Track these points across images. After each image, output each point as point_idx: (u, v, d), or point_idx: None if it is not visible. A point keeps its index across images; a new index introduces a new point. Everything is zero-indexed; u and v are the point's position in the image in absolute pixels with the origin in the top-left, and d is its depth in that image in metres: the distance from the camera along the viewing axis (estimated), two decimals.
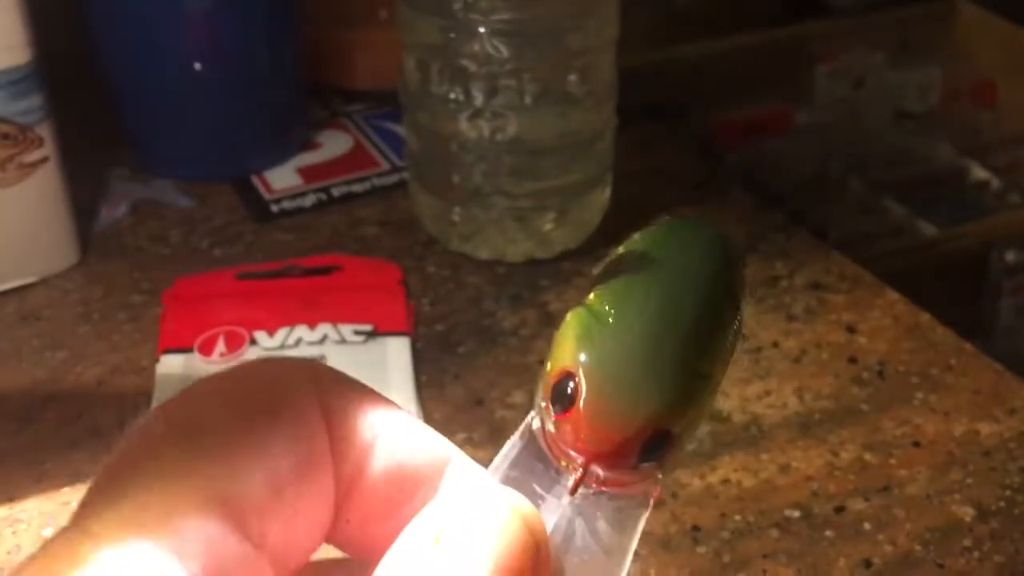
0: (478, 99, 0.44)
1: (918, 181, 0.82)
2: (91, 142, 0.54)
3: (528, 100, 0.44)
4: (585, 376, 0.19)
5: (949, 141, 0.85)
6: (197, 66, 0.52)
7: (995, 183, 0.82)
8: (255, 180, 0.53)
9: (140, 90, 0.53)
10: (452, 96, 0.44)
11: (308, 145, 0.56)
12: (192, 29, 0.52)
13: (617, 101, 0.48)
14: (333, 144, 0.56)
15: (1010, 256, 0.71)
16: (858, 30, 0.90)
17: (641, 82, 0.54)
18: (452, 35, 0.43)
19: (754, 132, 0.87)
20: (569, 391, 0.19)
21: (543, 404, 0.20)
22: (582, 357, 0.19)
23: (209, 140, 0.54)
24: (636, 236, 0.21)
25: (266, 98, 0.54)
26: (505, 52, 0.43)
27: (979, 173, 0.83)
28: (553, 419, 0.19)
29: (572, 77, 0.45)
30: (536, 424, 0.20)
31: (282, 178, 0.53)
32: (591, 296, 0.20)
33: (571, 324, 0.20)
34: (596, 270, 0.21)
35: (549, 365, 0.20)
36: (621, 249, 0.21)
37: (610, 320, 0.19)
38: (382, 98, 0.58)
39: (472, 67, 0.43)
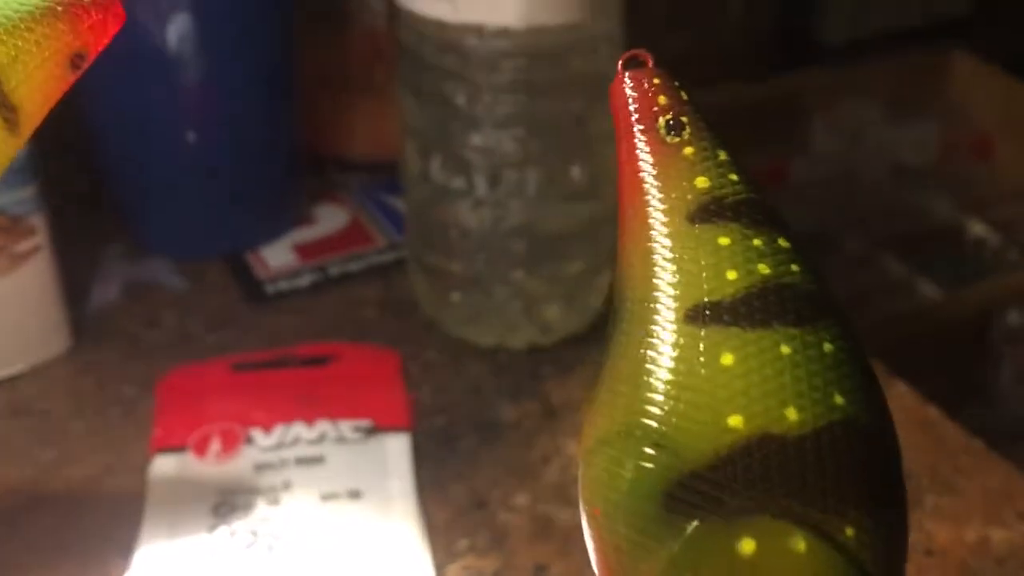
0: (480, 188, 0.43)
1: (916, 237, 0.82)
2: (83, 217, 0.53)
3: (532, 190, 0.43)
4: None
5: (947, 196, 0.85)
6: (191, 137, 0.51)
7: (994, 240, 0.81)
8: (250, 258, 0.52)
9: (131, 162, 0.52)
10: (454, 185, 0.44)
11: (304, 219, 0.55)
12: (186, 99, 0.51)
13: None
14: (329, 218, 0.55)
15: (1011, 321, 0.70)
16: (853, 83, 0.90)
17: None
18: (455, 125, 0.42)
19: None
20: None
21: None
22: None
23: (203, 215, 0.53)
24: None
25: (262, 170, 0.53)
26: (509, 144, 0.42)
27: (978, 229, 0.82)
28: None
29: (577, 166, 0.44)
30: None
31: (278, 256, 0.52)
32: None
33: None
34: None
35: None
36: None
37: None
38: (379, 169, 0.57)
39: (475, 158, 0.43)
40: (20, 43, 0.20)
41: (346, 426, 0.42)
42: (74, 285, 0.48)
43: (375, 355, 0.46)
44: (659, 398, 0.16)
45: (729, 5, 1.21)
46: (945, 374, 0.70)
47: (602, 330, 0.49)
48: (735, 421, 0.15)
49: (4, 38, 0.19)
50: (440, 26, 0.40)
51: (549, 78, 0.41)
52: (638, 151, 0.17)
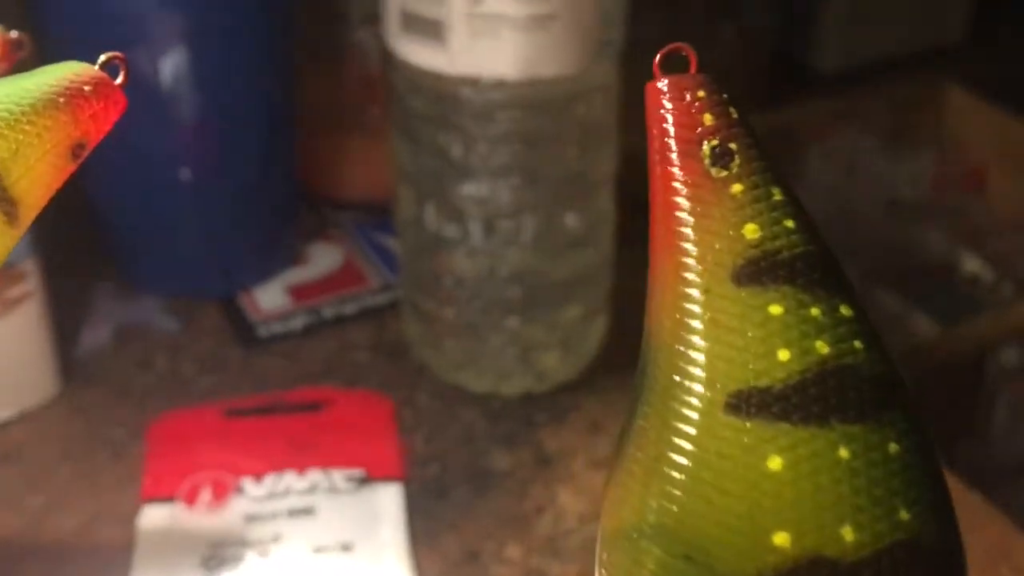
0: (475, 237, 0.43)
1: (910, 271, 0.82)
2: (74, 254, 0.53)
3: (527, 238, 0.43)
4: None
5: (942, 230, 0.85)
6: (184, 175, 0.51)
7: (988, 275, 0.81)
8: (243, 300, 0.52)
9: (124, 199, 0.52)
10: (448, 233, 0.43)
11: (298, 259, 0.54)
12: (180, 136, 0.50)
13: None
14: (323, 258, 0.55)
15: (1007, 359, 0.70)
16: (847, 115, 0.90)
17: (630, 170, 0.53)
18: (449, 174, 0.42)
19: None
20: None
21: None
22: None
23: (196, 254, 0.52)
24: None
25: (257, 209, 0.53)
26: (505, 193, 0.42)
27: (972, 264, 0.82)
28: None
29: (573, 214, 0.44)
30: None
31: (271, 297, 0.52)
32: None
33: None
34: None
35: None
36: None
37: None
38: (373, 207, 0.57)
39: (469, 207, 0.42)
40: (21, 136, 0.19)
41: (338, 476, 0.42)
42: (64, 326, 0.48)
43: (368, 401, 0.46)
44: (692, 502, 0.13)
45: (722, 32, 1.21)
46: (940, 412, 0.69)
47: (595, 377, 0.48)
48: (781, 539, 0.12)
49: (5, 132, 0.19)
50: (435, 77, 0.40)
51: (544, 128, 0.41)
52: (676, 184, 0.14)
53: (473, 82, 0.39)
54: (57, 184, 0.20)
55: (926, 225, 0.86)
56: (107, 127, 0.21)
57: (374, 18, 0.51)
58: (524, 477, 0.44)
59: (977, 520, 0.42)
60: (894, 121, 0.90)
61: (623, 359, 0.50)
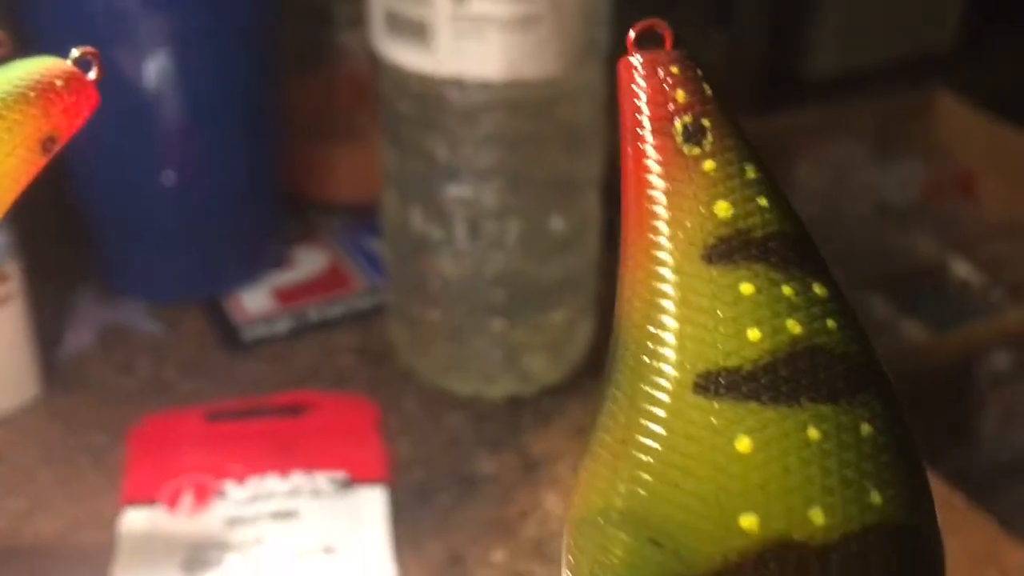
0: (460, 239, 0.43)
1: (900, 277, 0.82)
2: (56, 255, 0.52)
3: (513, 240, 0.43)
4: None
5: (931, 236, 0.85)
6: (169, 178, 0.51)
7: (978, 280, 0.81)
8: (227, 303, 0.51)
9: (108, 202, 0.51)
10: (434, 235, 0.43)
11: (283, 262, 0.54)
12: (164, 139, 0.50)
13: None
14: (308, 262, 0.54)
15: (996, 364, 0.70)
16: (838, 123, 0.90)
17: (615, 170, 0.53)
18: (435, 176, 0.42)
19: None
20: None
21: None
22: None
23: (180, 257, 0.52)
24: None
25: (242, 212, 0.53)
26: (490, 195, 0.42)
27: (962, 269, 0.82)
28: None
29: (558, 217, 0.43)
30: None
31: (255, 300, 0.52)
32: None
33: None
34: None
35: None
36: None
37: None
38: (360, 211, 0.57)
39: (455, 209, 0.42)
40: None
41: (321, 478, 0.42)
42: (46, 329, 0.48)
43: (351, 405, 0.46)
44: (657, 485, 0.13)
45: (714, 38, 1.21)
46: (929, 417, 0.69)
47: (581, 380, 0.48)
48: (749, 523, 0.12)
49: None
50: (420, 79, 0.39)
51: (529, 130, 0.41)
52: (646, 161, 0.14)
53: (458, 83, 0.39)
54: (28, 178, 0.20)
55: (916, 231, 0.86)
56: (79, 122, 0.21)
57: (360, 21, 0.51)
58: (509, 481, 0.43)
59: (964, 523, 0.42)
60: (884, 128, 0.90)
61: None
